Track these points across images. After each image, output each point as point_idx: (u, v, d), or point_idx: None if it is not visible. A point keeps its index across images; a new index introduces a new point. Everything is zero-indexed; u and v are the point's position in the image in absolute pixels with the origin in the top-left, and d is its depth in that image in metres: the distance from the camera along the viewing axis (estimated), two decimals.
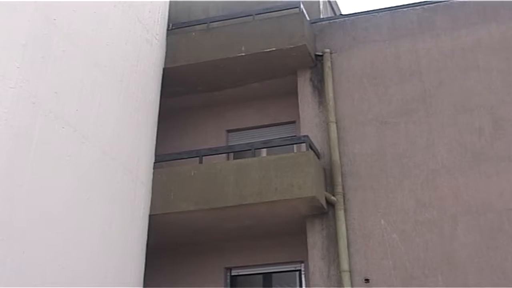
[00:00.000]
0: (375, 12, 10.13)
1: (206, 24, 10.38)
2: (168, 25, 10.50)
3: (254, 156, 9.14)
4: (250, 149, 9.23)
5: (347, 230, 8.64)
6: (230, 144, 10.49)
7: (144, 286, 8.52)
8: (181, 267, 9.84)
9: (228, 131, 10.68)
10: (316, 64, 9.97)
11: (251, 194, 8.67)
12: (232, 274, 9.81)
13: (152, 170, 9.23)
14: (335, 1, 12.74)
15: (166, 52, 10.18)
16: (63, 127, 7.35)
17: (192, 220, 9.13)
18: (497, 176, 8.44)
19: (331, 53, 9.96)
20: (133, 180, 8.63)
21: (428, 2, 9.89)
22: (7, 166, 6.41)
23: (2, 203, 6.25)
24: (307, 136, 9.07)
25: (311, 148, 8.96)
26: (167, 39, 10.29)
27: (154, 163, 9.33)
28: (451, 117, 9.02)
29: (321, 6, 11.13)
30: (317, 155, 9.11)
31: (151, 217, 8.92)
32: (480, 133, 8.79)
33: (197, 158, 9.37)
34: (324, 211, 8.83)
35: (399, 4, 10.10)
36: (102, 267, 7.65)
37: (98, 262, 7.58)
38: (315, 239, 8.80)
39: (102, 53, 8.36)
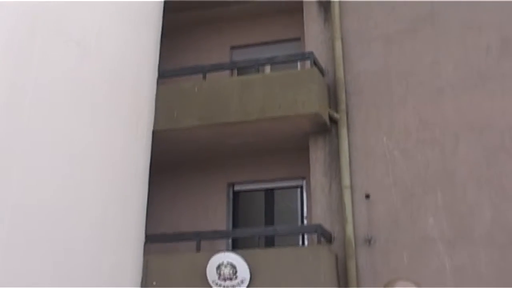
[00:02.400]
0: None
1: None
2: None
3: (258, 73, 9.09)
4: (254, 66, 9.17)
5: (349, 147, 8.70)
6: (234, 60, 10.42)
7: (148, 201, 8.67)
8: (184, 183, 9.98)
9: (232, 47, 10.56)
10: None
11: (255, 111, 8.69)
12: (235, 189, 9.96)
13: (155, 86, 9.20)
14: None
15: None
16: (65, 42, 7.27)
17: (196, 136, 9.19)
18: (502, 94, 8.41)
19: None
20: (136, 96, 8.63)
21: None
22: (9, 78, 6.38)
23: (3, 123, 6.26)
24: (311, 52, 8.98)
25: (316, 65, 8.89)
26: None
27: (158, 79, 9.30)
28: (458, 35, 8.89)
29: None
30: (321, 72, 9.06)
31: (154, 133, 8.97)
32: (487, 52, 8.68)
33: (201, 74, 9.33)
34: (327, 128, 8.87)
35: None
36: (106, 183, 7.75)
37: (101, 177, 7.67)
38: (318, 155, 8.89)
39: None
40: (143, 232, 8.47)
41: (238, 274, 7.83)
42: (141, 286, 8.18)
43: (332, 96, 9.08)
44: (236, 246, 9.38)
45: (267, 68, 9.53)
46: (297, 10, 9.82)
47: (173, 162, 9.88)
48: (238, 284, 7.82)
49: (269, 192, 9.89)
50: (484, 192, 8.08)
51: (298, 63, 9.68)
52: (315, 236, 8.18)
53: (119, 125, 8.17)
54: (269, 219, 9.72)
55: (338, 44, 9.26)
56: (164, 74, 9.41)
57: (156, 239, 8.68)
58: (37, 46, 6.82)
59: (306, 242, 9.06)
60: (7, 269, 6.03)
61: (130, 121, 8.48)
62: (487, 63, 8.63)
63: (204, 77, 9.28)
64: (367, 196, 8.45)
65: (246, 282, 7.81)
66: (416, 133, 8.58)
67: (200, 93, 9.06)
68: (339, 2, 9.49)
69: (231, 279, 7.85)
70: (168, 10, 9.76)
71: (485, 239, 7.89)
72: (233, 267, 7.86)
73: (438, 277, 7.83)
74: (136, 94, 8.64)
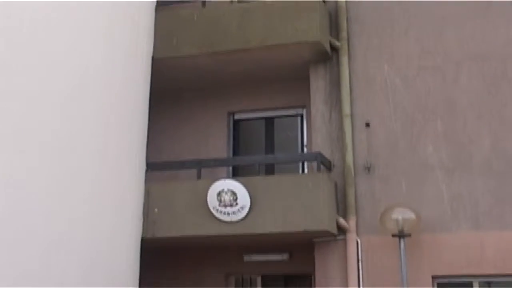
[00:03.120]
0: None
1: None
2: None
3: (259, 0, 8.94)
4: None
5: (350, 75, 8.65)
6: None
7: (148, 130, 8.68)
8: (185, 111, 10.00)
9: None
10: None
11: (255, 39, 8.60)
12: (235, 118, 10.00)
13: (153, 14, 9.06)
14: None
15: None
16: None
17: (195, 64, 9.13)
18: (506, 23, 8.28)
19: None
20: (134, 23, 8.51)
21: None
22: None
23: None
24: None
25: None
26: None
27: (156, 6, 9.13)
28: None
29: None
30: None
31: (154, 61, 8.89)
32: None
33: (200, 1, 9.17)
34: (328, 57, 8.80)
35: None
36: (106, 111, 7.75)
37: (102, 106, 7.66)
38: (318, 84, 8.85)
39: None
40: (144, 160, 8.54)
41: (238, 200, 7.94)
42: (143, 213, 8.31)
43: (333, 24, 8.95)
44: (236, 174, 9.49)
45: None
46: None
47: (174, 91, 9.86)
48: (239, 211, 7.94)
49: (270, 121, 9.92)
50: (484, 120, 8.10)
51: None
52: (314, 164, 8.25)
53: (118, 53, 8.09)
54: (269, 148, 9.79)
55: None
56: (163, 2, 9.23)
57: (157, 166, 8.77)
58: None
59: (306, 171, 9.15)
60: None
61: (129, 49, 8.39)
62: None
63: (204, 5, 9.13)
64: (367, 124, 8.46)
65: (246, 209, 7.93)
66: (418, 61, 8.51)
67: (199, 21, 8.93)
68: None
69: (231, 205, 7.97)
70: None
71: (483, 167, 7.96)
72: (234, 194, 7.97)
73: (435, 204, 7.95)
74: (134, 21, 8.51)
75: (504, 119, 8.05)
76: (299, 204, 7.85)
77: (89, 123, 7.38)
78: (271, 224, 7.92)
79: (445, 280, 7.83)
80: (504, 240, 7.62)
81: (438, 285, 7.83)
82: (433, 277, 7.77)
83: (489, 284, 7.87)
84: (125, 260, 7.86)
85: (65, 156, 6.91)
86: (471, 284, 7.75)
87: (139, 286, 8.07)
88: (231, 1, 9.77)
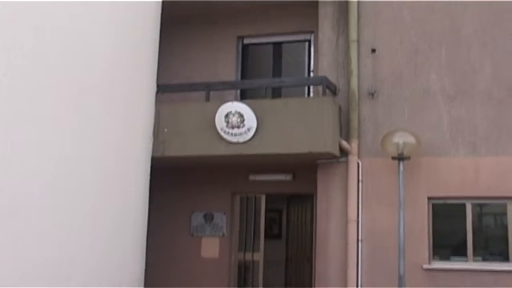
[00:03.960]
0: None
1: None
2: None
3: None
4: None
5: (358, 1, 8.72)
6: None
7: (159, 53, 8.80)
8: (195, 35, 10.13)
9: None
10: None
11: None
12: (244, 42, 10.14)
13: None
14: None
15: None
16: None
17: None
18: None
19: None
20: None
21: None
22: None
23: None
24: None
25: None
26: None
27: None
28: None
29: None
30: None
31: None
32: None
33: None
34: None
35: None
36: (117, 33, 7.81)
37: (112, 28, 7.72)
38: (327, 9, 8.94)
39: None
40: (155, 82, 8.71)
41: (245, 122, 8.20)
42: (153, 133, 8.59)
43: None
44: (244, 97, 9.72)
45: None
46: None
47: (184, 14, 9.93)
48: (245, 132, 8.22)
49: (278, 46, 10.06)
50: (487, 50, 8.24)
51: None
52: (320, 88, 8.47)
53: None
54: (277, 72, 9.99)
55: None
56: None
57: (167, 89, 8.98)
58: None
59: (311, 95, 9.38)
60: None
61: None
62: None
63: None
64: (373, 50, 8.62)
65: (253, 130, 8.20)
66: None
67: None
68: None
69: (238, 127, 8.24)
70: None
71: (483, 94, 8.17)
72: (241, 115, 8.22)
73: (435, 129, 8.22)
74: None
75: (507, 49, 8.19)
76: (303, 126, 8.10)
77: (101, 46, 7.49)
78: (276, 145, 8.20)
79: (440, 201, 8.21)
80: (499, 164, 7.93)
81: (433, 205, 8.21)
82: (429, 198, 8.14)
83: (480, 205, 8.26)
84: (136, 178, 8.12)
85: (76, 76, 7.05)
86: (464, 206, 8.14)
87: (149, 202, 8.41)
88: None
